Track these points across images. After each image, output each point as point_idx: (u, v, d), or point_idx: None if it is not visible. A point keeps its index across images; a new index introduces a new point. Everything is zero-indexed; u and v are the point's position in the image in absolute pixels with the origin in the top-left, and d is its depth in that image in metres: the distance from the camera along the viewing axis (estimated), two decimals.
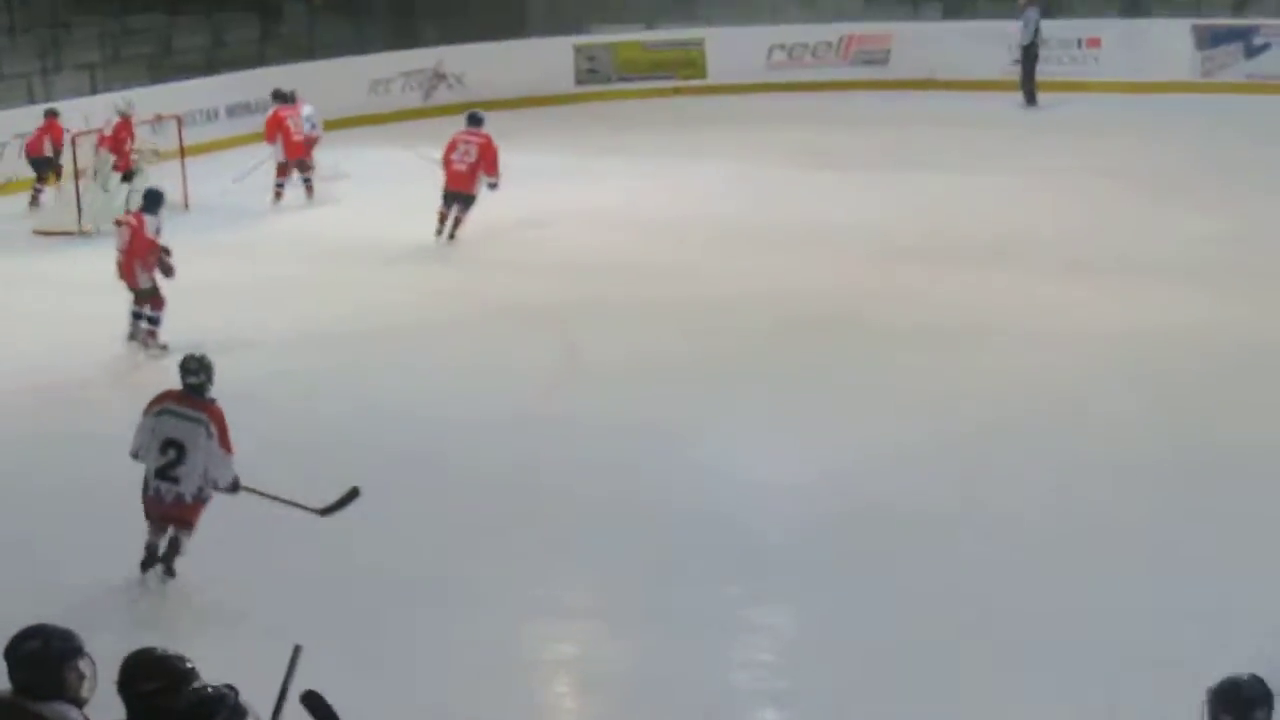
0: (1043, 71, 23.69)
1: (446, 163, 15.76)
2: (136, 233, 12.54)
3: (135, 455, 8.49)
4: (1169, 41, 23.73)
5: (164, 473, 8.32)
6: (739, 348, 12.27)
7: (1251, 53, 23.32)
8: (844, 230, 15.88)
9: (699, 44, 25.73)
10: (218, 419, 8.33)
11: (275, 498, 8.54)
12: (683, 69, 25.63)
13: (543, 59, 24.55)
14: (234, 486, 8.40)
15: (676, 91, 25.22)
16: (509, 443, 10.43)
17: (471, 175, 15.67)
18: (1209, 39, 23.52)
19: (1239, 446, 9.96)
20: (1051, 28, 24.22)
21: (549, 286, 14.14)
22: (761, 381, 11.50)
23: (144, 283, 12.57)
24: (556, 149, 20.69)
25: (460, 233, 15.84)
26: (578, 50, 25.31)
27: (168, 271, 12.60)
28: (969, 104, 22.98)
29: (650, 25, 26.34)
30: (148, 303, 12.66)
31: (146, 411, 8.52)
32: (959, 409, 10.74)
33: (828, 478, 9.77)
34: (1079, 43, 24.40)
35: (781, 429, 10.71)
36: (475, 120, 16.05)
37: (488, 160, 15.64)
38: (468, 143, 15.80)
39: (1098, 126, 21.22)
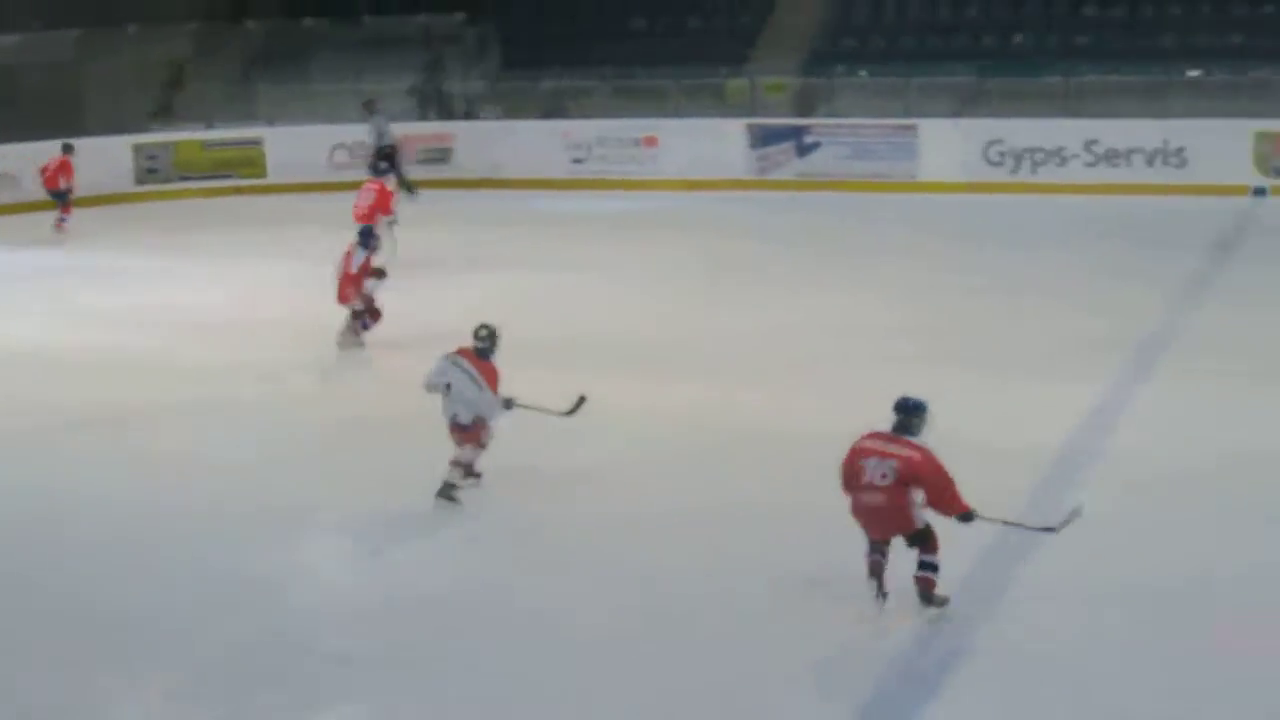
0: (602, 170, 26.30)
1: None
2: None
3: (427, 387, 11.07)
4: (724, 140, 26.51)
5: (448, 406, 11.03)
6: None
7: (803, 151, 26.35)
8: None
9: (258, 143, 27.08)
10: (488, 373, 10.98)
11: (536, 408, 11.09)
12: (243, 168, 26.89)
13: (102, 158, 25.40)
14: (508, 404, 11.03)
15: (237, 190, 26.47)
16: None
17: None
18: (762, 138, 26.36)
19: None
20: (610, 127, 26.82)
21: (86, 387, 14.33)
22: None
23: None
24: (116, 248, 21.60)
25: None
26: (137, 149, 26.30)
27: None
28: (528, 202, 25.19)
29: (210, 124, 27.55)
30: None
31: (445, 357, 11.10)
32: None
33: None
34: (636, 141, 26.93)
35: None
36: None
37: None
38: None
39: (654, 223, 23.49)
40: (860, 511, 8.87)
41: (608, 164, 26.89)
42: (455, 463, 11.00)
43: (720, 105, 27.77)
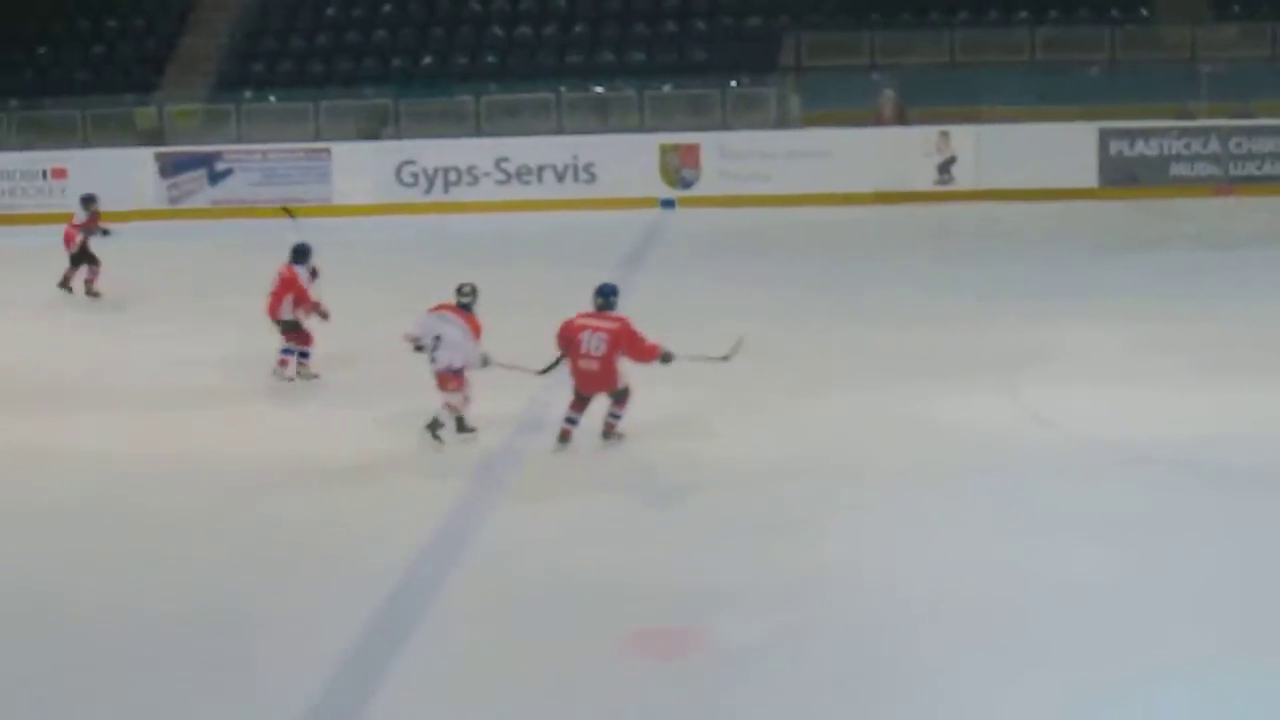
0: (11, 205, 26.16)
1: None
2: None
3: (413, 341, 12.92)
4: (134, 169, 26.69)
5: (435, 354, 12.77)
6: None
7: (215, 178, 26.87)
8: None
9: None
10: (473, 324, 12.86)
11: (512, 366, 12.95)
12: None
13: None
14: (484, 362, 12.84)
15: None
16: None
17: None
18: (172, 166, 26.71)
19: None
20: (16, 160, 26.65)
21: None
22: None
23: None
24: None
25: None
26: None
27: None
28: None
29: None
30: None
31: (428, 312, 12.97)
32: None
33: None
34: (44, 174, 26.83)
35: None
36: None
37: None
38: None
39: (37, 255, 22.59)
40: (578, 375, 12.40)
41: (15, 198, 26.73)
42: (448, 406, 12.81)
43: (129, 134, 27.98)
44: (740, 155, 26.68)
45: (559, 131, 27.33)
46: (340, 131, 27.47)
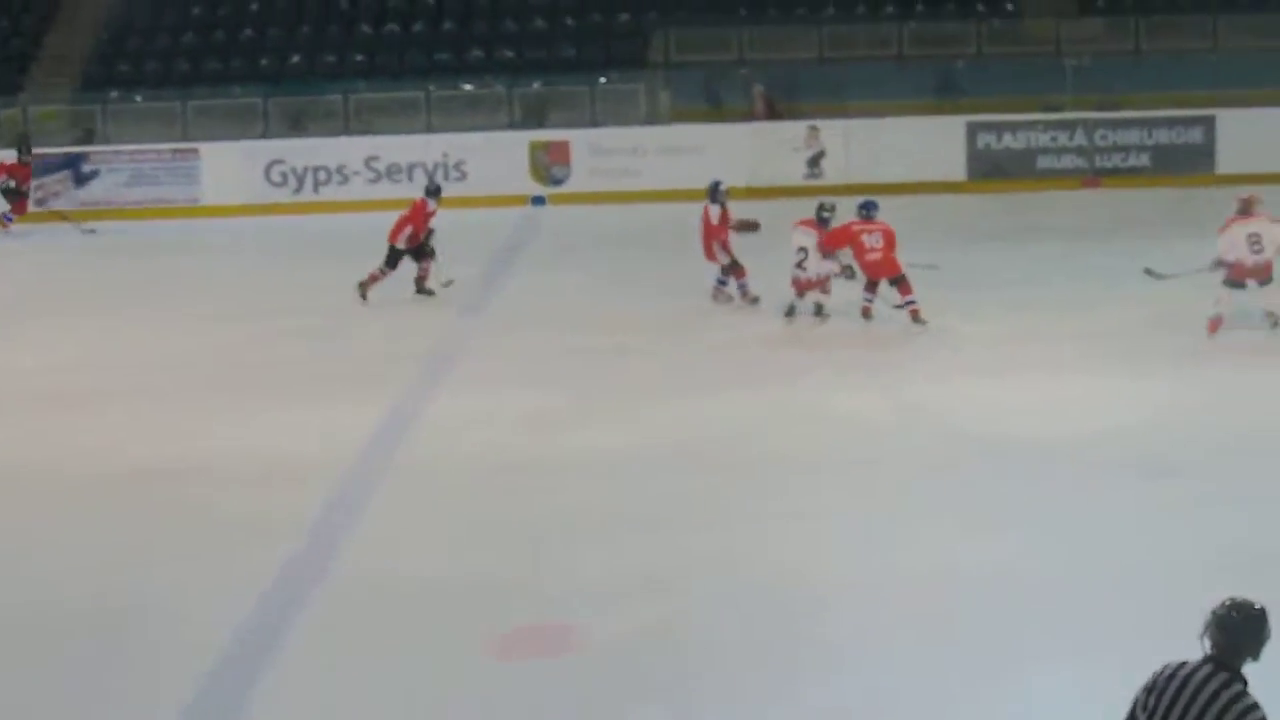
0: None
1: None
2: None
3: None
4: None
5: (799, 264, 17.29)
6: None
7: (81, 180, 27.42)
8: None
9: None
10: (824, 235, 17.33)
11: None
12: None
13: None
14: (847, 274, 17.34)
15: None
16: None
17: None
18: (39, 168, 27.03)
19: None
20: None
21: None
22: None
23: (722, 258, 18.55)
24: None
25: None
26: None
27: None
28: None
29: None
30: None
31: (794, 226, 17.78)
32: None
33: None
34: None
35: None
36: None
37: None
38: None
39: None
40: (866, 266, 17.33)
41: None
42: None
43: None
44: (611, 152, 27.63)
45: (429, 130, 28.13)
46: (208, 131, 28.07)
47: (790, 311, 17.50)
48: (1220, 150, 27.55)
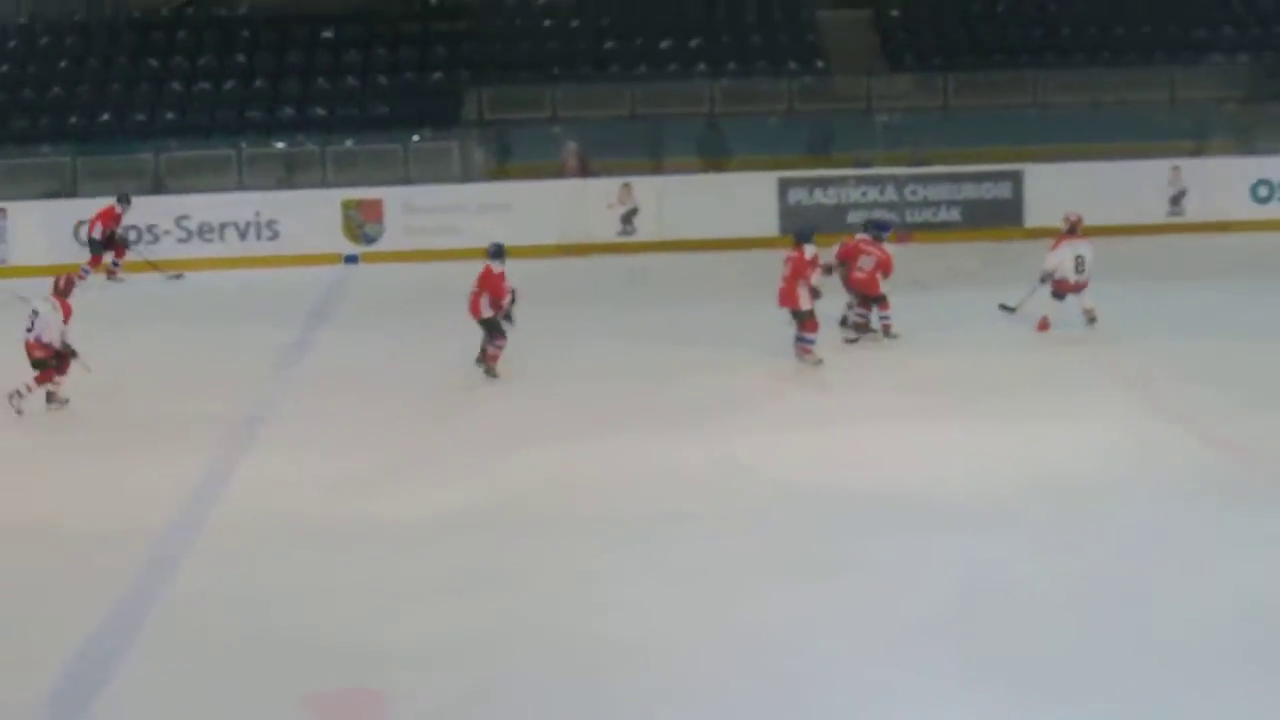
0: None
1: None
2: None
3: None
4: None
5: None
6: None
7: None
8: None
9: None
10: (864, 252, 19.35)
11: None
12: None
13: None
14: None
15: None
16: None
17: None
18: None
19: None
20: None
21: None
22: None
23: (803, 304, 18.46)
24: None
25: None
26: None
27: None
28: None
29: None
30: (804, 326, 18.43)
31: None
32: None
33: None
34: None
35: None
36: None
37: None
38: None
39: None
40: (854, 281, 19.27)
41: None
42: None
43: None
44: (424, 210, 28.06)
45: (241, 188, 28.41)
46: (17, 191, 28.11)
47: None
48: (1028, 204, 28.65)
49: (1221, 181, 28.49)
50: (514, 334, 18.43)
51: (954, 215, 28.74)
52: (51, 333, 17.17)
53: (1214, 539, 12.32)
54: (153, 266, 26.32)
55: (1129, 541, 12.31)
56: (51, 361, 17.28)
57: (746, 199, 28.18)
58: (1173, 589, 11.22)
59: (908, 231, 28.14)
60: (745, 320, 20.93)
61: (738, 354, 19.26)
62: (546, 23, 33.02)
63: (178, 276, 26.20)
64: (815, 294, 18.52)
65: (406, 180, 28.91)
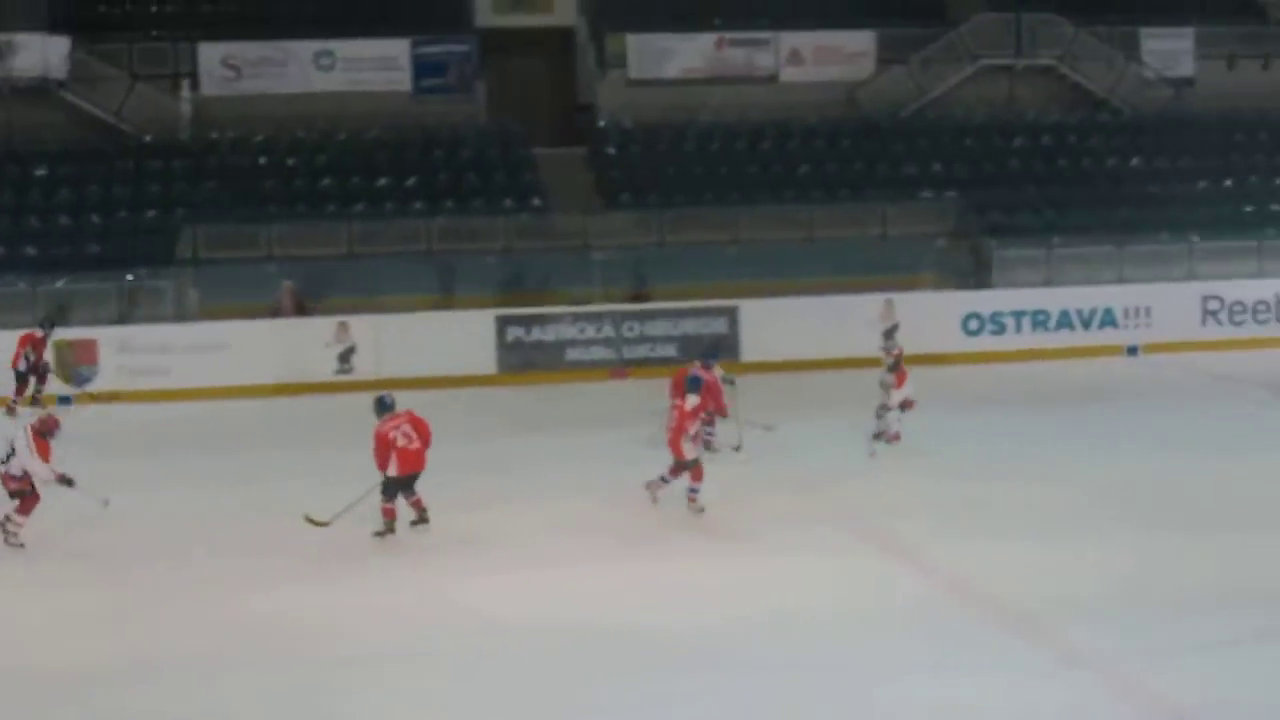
0: None
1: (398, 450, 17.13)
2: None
3: None
4: None
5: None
6: None
7: None
8: None
9: None
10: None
11: None
12: None
13: None
14: None
15: None
16: None
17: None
18: None
19: None
20: None
21: None
22: None
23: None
24: None
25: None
26: None
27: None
28: None
29: None
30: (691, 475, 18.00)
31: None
32: None
33: None
34: None
35: None
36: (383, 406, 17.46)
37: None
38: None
39: None
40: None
41: None
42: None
43: None
44: (138, 350, 27.95)
45: None
46: None
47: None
48: (744, 339, 29.53)
49: (932, 314, 29.48)
50: (222, 471, 18.39)
51: (671, 351, 29.31)
52: (26, 465, 17.17)
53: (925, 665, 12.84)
54: None
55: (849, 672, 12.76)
56: (28, 491, 17.35)
57: (464, 336, 28.62)
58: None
59: (625, 368, 28.83)
60: (467, 459, 21.23)
61: (452, 494, 19.50)
62: (262, 160, 33.30)
63: None
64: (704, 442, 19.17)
65: (121, 320, 28.86)
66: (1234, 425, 21.60)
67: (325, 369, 28.18)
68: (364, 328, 28.40)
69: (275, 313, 29.15)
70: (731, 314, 29.79)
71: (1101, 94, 37.84)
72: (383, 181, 32.90)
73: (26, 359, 26.46)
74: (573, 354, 29.03)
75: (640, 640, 13.61)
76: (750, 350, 29.36)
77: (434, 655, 13.44)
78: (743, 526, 17.68)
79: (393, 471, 17.15)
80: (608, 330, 29.36)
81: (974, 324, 30.29)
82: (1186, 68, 38.58)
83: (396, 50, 35.55)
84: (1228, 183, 35.72)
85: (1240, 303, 31.50)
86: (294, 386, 27.58)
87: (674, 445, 18.11)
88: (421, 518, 17.41)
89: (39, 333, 26.61)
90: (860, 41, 37.20)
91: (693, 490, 18.07)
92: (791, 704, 11.97)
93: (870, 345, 29.20)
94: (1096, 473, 18.24)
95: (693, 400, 18.27)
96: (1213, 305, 31.49)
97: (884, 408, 21.36)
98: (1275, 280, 31.96)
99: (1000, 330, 30.21)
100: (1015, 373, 27.26)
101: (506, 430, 24.31)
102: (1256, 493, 18.22)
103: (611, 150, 34.80)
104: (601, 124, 35.57)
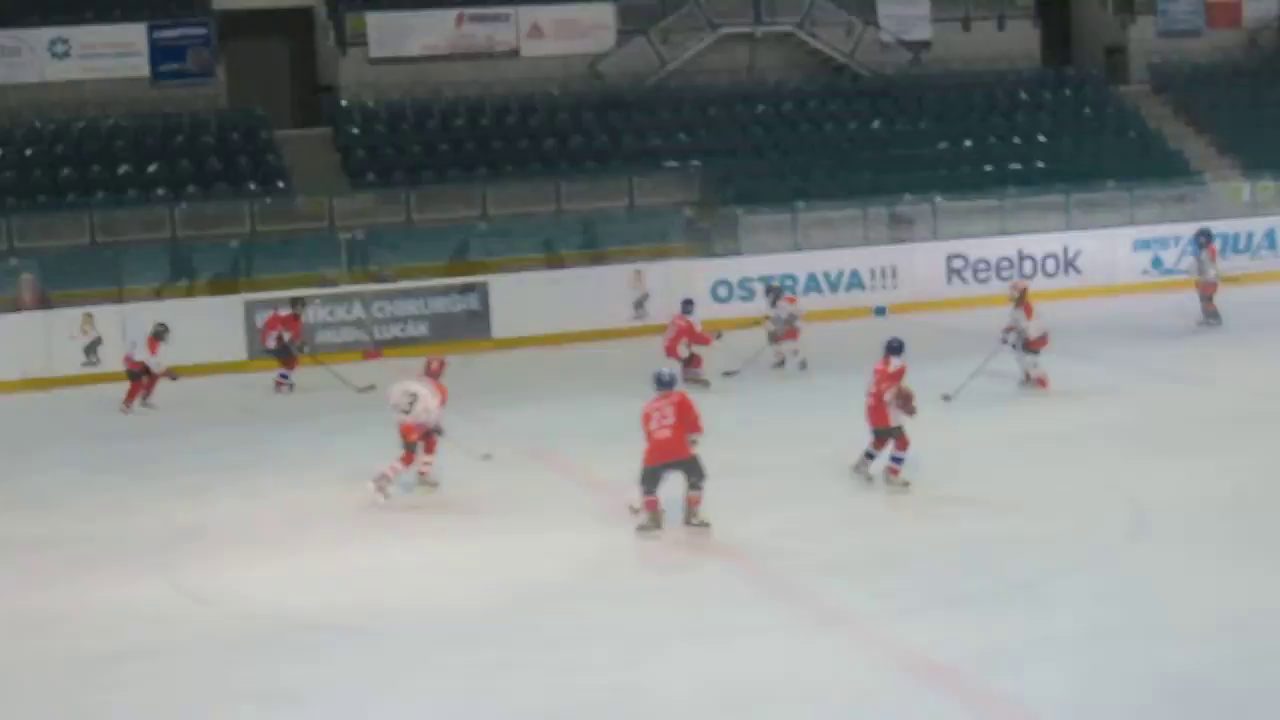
0: None
1: (647, 434, 16.08)
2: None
3: None
4: None
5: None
6: None
7: None
8: None
9: None
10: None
11: None
12: None
13: None
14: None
15: None
16: None
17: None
18: None
19: None
20: None
21: None
22: None
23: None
24: None
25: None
26: None
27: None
28: None
29: None
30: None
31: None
32: None
33: None
34: None
35: None
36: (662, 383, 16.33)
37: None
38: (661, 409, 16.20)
39: None
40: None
41: None
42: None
43: None
44: None
45: None
46: None
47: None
48: (494, 315, 30.30)
49: (681, 283, 30.17)
50: None
51: (422, 330, 30.06)
52: (429, 415, 17.85)
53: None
54: None
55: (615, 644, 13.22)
56: (419, 443, 18.09)
57: (211, 323, 28.85)
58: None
59: (376, 349, 29.38)
60: (207, 448, 21.79)
61: (194, 480, 19.98)
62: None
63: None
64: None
65: None
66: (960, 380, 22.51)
67: (72, 362, 28.25)
68: (109, 319, 28.41)
69: (16, 307, 29.17)
70: (482, 290, 30.46)
71: (841, 59, 39.31)
72: (123, 169, 33.07)
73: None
74: (324, 336, 29.46)
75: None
76: (501, 327, 30.14)
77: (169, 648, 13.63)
78: (487, 504, 18.07)
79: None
80: (358, 312, 29.89)
81: (723, 291, 31.30)
82: (923, 31, 40.28)
83: (133, 36, 35.63)
84: (968, 143, 37.30)
85: (984, 260, 33.07)
86: (40, 381, 27.70)
87: (876, 414, 17.42)
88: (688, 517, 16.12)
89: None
90: (599, 14, 38.21)
91: (895, 460, 17.38)
92: (553, 679, 12.32)
93: (624, 316, 30.36)
94: (841, 436, 19.00)
95: (895, 363, 17.43)
96: (957, 264, 33.02)
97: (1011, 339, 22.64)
98: (1017, 237, 33.60)
99: (749, 296, 31.13)
100: (763, 339, 28.19)
101: (259, 416, 24.78)
102: (986, 455, 19.16)
103: (355, 130, 35.32)
104: (344, 104, 36.04)
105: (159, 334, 25.14)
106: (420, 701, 12.05)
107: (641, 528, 15.99)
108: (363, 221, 32.21)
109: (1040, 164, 36.77)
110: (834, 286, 32.21)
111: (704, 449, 16.07)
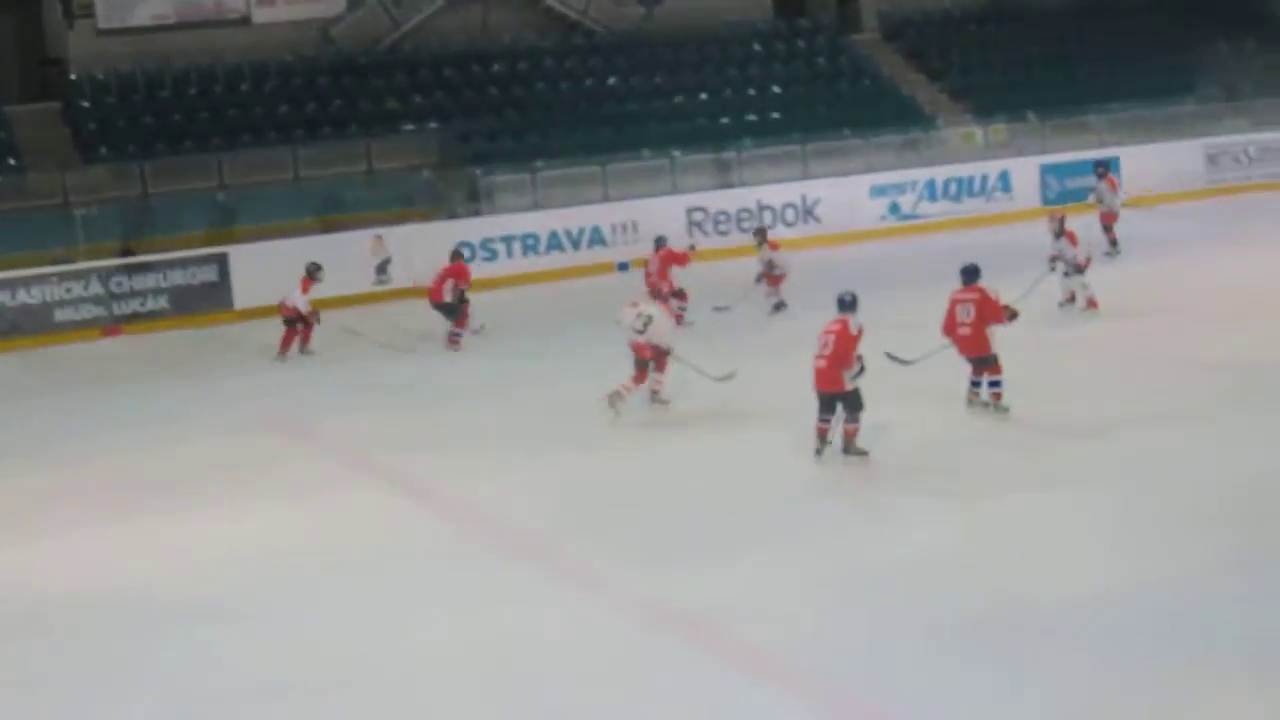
0: None
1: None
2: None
3: None
4: None
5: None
6: None
7: None
8: None
9: None
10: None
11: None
12: None
13: None
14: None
15: None
16: None
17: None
18: None
19: None
20: None
21: None
22: None
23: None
24: None
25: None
26: None
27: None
28: None
29: None
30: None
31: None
32: None
33: None
34: None
35: None
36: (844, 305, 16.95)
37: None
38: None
39: None
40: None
41: None
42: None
43: None
44: None
45: None
46: None
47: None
48: (236, 286, 30.59)
49: (423, 246, 30.69)
50: None
51: (163, 304, 30.24)
52: (661, 335, 19.42)
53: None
54: None
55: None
56: (650, 361, 19.59)
57: None
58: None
59: (116, 325, 29.44)
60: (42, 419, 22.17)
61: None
62: None
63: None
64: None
65: None
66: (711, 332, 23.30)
67: None
68: None
69: None
70: (221, 261, 30.68)
71: (574, 16, 39.88)
72: None
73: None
74: (62, 315, 29.47)
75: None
76: (243, 297, 30.38)
77: None
78: (256, 475, 18.40)
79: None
80: (96, 288, 29.97)
81: (466, 253, 31.82)
82: None
83: None
84: (703, 96, 38.15)
85: (724, 212, 34.09)
86: None
87: (974, 343, 18.13)
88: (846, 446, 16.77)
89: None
90: None
91: (994, 384, 18.13)
92: (324, 649, 12.70)
93: (364, 282, 30.75)
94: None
95: (992, 291, 18.20)
96: (697, 216, 33.93)
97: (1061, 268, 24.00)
98: (756, 189, 34.74)
99: (492, 257, 31.92)
100: (510, 297, 28.86)
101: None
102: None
103: (85, 103, 35.15)
104: (73, 77, 35.81)
105: (311, 273, 25.84)
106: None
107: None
108: (97, 196, 32.17)
109: (776, 115, 37.72)
110: (575, 244, 32.96)
111: None
